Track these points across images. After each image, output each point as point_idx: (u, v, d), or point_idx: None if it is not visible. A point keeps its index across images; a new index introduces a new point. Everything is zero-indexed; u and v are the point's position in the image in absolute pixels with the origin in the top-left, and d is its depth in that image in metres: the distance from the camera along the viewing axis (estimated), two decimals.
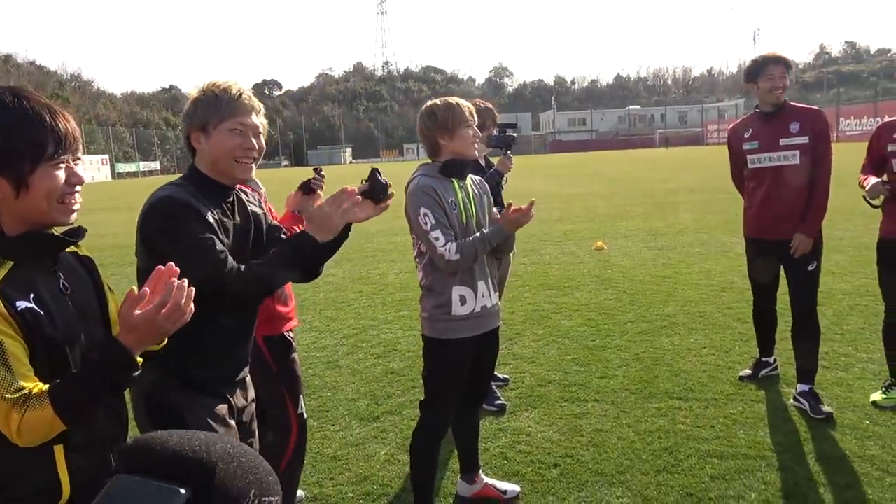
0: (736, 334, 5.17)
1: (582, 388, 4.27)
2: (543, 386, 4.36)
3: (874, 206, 3.71)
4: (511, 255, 3.78)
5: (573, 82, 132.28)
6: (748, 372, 4.27)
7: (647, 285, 6.99)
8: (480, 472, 3.16)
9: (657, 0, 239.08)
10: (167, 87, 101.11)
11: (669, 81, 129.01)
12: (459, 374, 2.77)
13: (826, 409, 3.68)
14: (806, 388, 3.80)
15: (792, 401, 3.87)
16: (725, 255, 8.32)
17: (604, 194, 17.68)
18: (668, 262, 8.13)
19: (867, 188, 3.58)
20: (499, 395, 4.11)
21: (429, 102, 2.77)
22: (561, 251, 9.36)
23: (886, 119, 3.79)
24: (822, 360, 4.54)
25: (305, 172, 3.22)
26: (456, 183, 2.72)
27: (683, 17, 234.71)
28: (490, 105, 4.19)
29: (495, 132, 4.20)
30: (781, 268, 3.94)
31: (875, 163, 3.72)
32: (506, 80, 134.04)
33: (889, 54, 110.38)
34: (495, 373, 3.96)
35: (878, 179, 3.58)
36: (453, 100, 2.72)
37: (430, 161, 2.77)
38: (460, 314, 2.68)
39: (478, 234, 2.68)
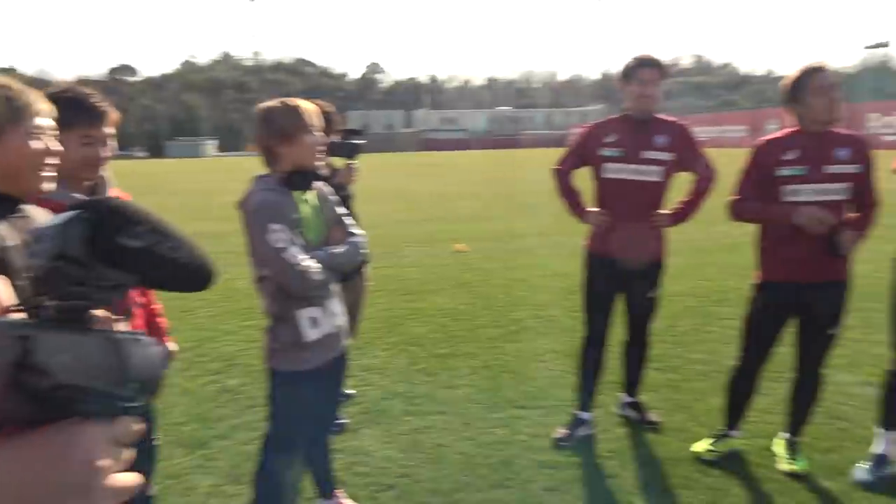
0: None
1: (427, 400, 4.19)
2: (388, 399, 4.23)
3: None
4: (362, 275, 3.64)
5: (447, 81, 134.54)
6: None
7: (501, 289, 7.08)
8: (337, 491, 2.99)
9: (527, 5, 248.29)
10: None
11: (537, 85, 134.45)
12: (312, 409, 2.56)
13: (652, 417, 3.81)
14: (631, 399, 3.91)
15: (618, 410, 3.96)
16: (578, 257, 8.62)
17: (470, 195, 17.95)
18: (526, 265, 8.31)
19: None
20: (338, 412, 3.92)
21: (264, 105, 2.45)
22: (422, 253, 9.32)
23: (770, 136, 3.22)
24: (655, 363, 4.75)
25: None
26: (300, 196, 2.44)
27: (550, 23, 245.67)
28: (331, 108, 3.95)
29: (338, 138, 3.89)
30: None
31: (761, 185, 3.14)
32: (378, 76, 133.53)
33: (729, 67, 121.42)
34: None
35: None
36: (294, 101, 2.42)
37: (269, 172, 2.44)
38: (313, 338, 2.43)
39: (332, 250, 2.46)
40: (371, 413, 4.03)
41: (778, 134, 3.18)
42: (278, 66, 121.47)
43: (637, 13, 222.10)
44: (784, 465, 3.29)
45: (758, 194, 3.15)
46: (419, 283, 7.40)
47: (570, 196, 3.69)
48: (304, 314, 2.42)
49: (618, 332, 3.82)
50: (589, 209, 3.60)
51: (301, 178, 2.44)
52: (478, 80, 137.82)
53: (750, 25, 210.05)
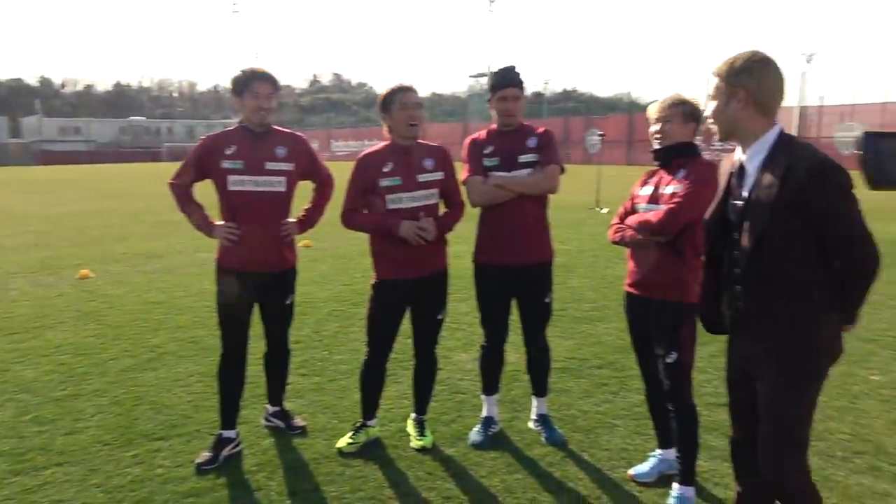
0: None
1: (41, 453, 3.57)
2: None
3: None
4: None
5: (63, 85, 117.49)
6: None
7: (136, 315, 6.44)
8: None
9: (161, 8, 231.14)
10: None
11: (176, 94, 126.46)
12: None
13: (298, 422, 3.88)
14: (275, 408, 3.93)
15: (264, 421, 3.93)
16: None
17: (98, 213, 16.00)
18: (164, 287, 7.71)
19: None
20: None
21: None
22: (34, 284, 7.96)
23: (370, 150, 3.54)
24: (301, 369, 4.87)
25: None
26: None
27: (188, 30, 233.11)
28: None
29: None
30: None
31: (367, 195, 3.46)
32: None
33: (366, 87, 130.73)
34: None
35: None
36: None
37: None
38: None
39: None
40: None
41: (376, 148, 3.55)
42: None
43: (274, 28, 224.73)
44: (414, 443, 3.65)
45: (365, 204, 3.48)
46: (30, 319, 6.29)
47: (192, 211, 3.56)
48: None
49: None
50: (215, 223, 3.51)
51: None
52: (103, 85, 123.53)
53: (382, 49, 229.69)
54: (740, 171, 2.26)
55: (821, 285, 2.14)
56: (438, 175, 3.50)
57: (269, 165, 3.44)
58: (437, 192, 3.51)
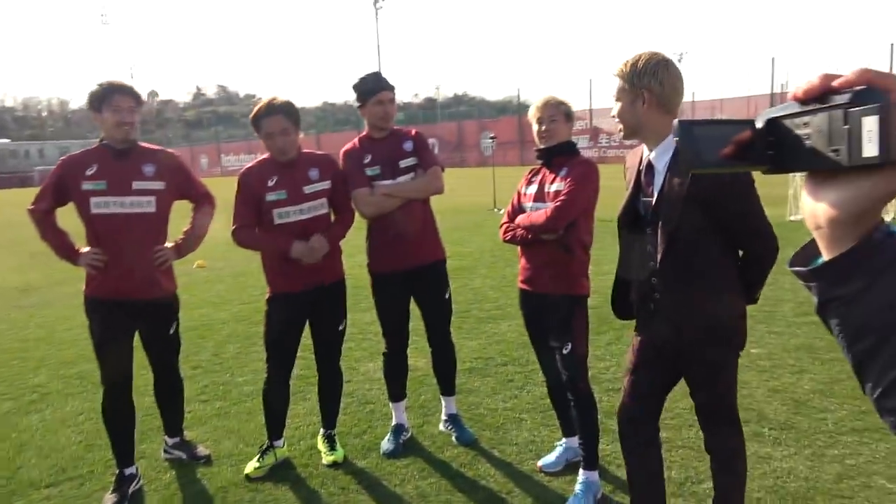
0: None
1: None
2: None
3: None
4: None
5: None
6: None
7: (14, 354, 5.97)
8: None
9: (23, 22, 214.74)
10: None
11: (45, 113, 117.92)
12: None
13: (201, 451, 3.71)
14: (175, 440, 3.75)
15: (164, 454, 3.75)
16: None
17: None
18: (43, 322, 7.19)
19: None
20: None
21: None
22: None
23: (251, 164, 3.48)
24: (202, 395, 4.69)
25: None
26: None
27: (55, 45, 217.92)
28: None
29: None
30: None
31: (255, 210, 3.39)
32: None
33: (256, 98, 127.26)
34: None
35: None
36: None
37: None
38: None
39: None
40: None
41: (259, 161, 3.47)
42: None
43: (149, 40, 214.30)
44: (325, 459, 3.60)
45: (255, 219, 3.39)
46: None
47: (53, 238, 3.31)
48: None
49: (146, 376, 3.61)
50: (80, 250, 3.29)
51: None
52: None
53: (269, 59, 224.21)
54: (649, 168, 2.36)
55: (730, 272, 2.32)
56: (325, 185, 3.44)
57: (137, 185, 3.22)
58: (326, 202, 3.47)
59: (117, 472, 3.38)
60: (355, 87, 3.60)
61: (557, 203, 2.97)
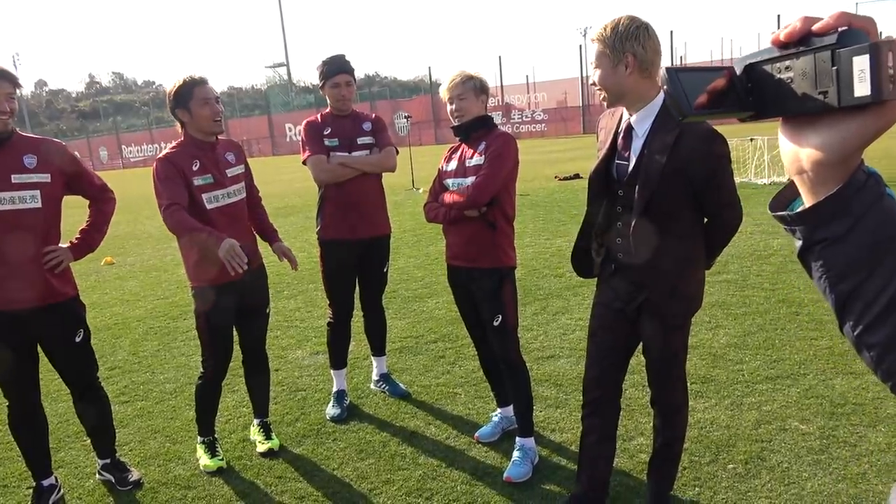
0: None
1: None
2: None
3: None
4: None
5: None
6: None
7: None
8: None
9: None
10: None
11: None
12: None
13: (134, 476, 3.35)
14: (106, 461, 3.39)
15: (98, 476, 3.41)
16: None
17: None
18: None
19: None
20: None
21: None
22: None
23: (170, 150, 3.20)
24: (122, 396, 4.47)
25: None
26: None
27: None
28: None
29: None
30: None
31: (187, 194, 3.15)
32: None
33: (155, 86, 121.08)
34: None
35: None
36: None
37: None
38: None
39: None
40: None
41: (175, 147, 3.22)
42: None
43: (33, 26, 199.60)
44: (260, 447, 3.51)
45: (186, 199, 3.09)
46: None
47: None
48: None
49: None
50: None
51: None
52: None
53: (166, 44, 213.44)
54: (628, 132, 2.35)
55: (697, 239, 2.40)
56: (241, 168, 3.38)
57: (17, 178, 2.86)
58: (244, 187, 3.37)
59: (34, 484, 3.17)
60: (318, 68, 3.80)
61: (478, 179, 2.97)
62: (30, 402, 3.10)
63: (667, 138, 2.23)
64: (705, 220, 2.42)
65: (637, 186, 2.30)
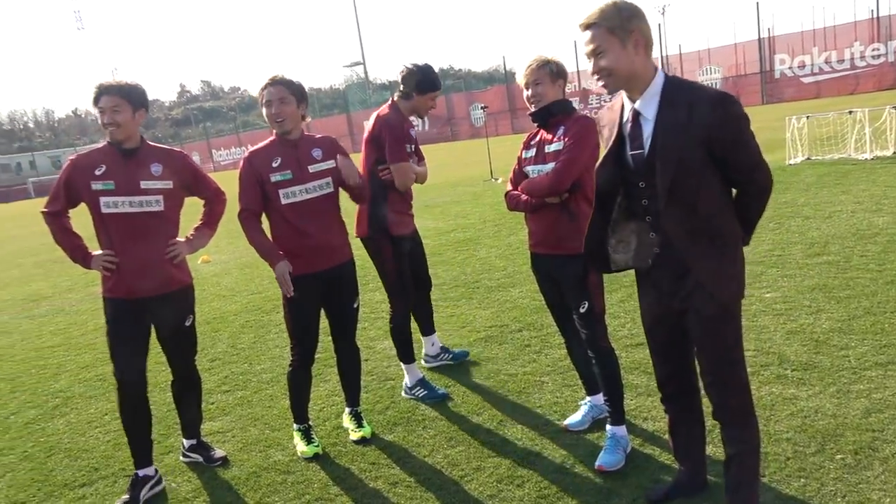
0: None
1: None
2: None
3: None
4: None
5: None
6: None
7: (32, 363, 5.99)
8: None
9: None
10: None
11: (31, 125, 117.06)
12: None
13: (218, 454, 3.62)
14: (192, 441, 3.67)
15: (182, 458, 3.68)
16: None
17: None
18: (57, 329, 7.20)
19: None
20: None
21: None
22: None
23: (256, 147, 3.44)
24: (224, 385, 4.71)
25: None
26: None
27: (33, 56, 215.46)
28: None
29: None
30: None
31: (262, 193, 3.36)
32: None
33: (240, 91, 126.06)
34: None
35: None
36: None
37: None
38: None
39: None
40: None
41: (263, 144, 3.45)
42: None
43: (129, 42, 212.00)
44: (353, 435, 3.63)
45: (260, 203, 3.36)
46: None
47: (66, 242, 3.29)
48: None
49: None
50: (92, 253, 3.26)
51: None
52: None
53: (248, 50, 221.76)
54: (636, 119, 2.24)
55: (730, 215, 2.26)
56: (329, 164, 3.43)
57: (145, 184, 3.21)
58: (331, 181, 3.43)
59: (136, 472, 3.35)
60: (414, 75, 3.92)
61: (558, 164, 2.94)
62: (138, 389, 3.34)
63: (679, 113, 2.13)
64: (734, 192, 2.28)
65: (658, 171, 2.17)
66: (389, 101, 4.05)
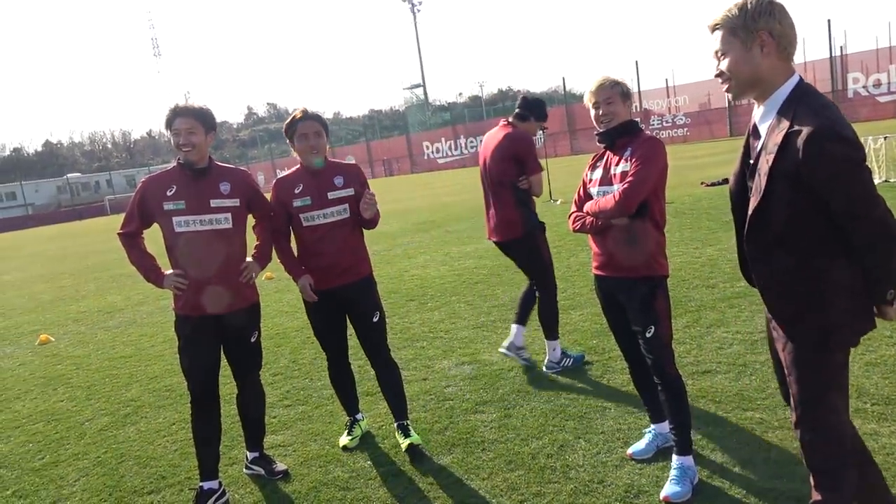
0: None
1: None
2: None
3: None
4: None
5: None
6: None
7: (106, 372, 6.25)
8: None
9: (79, 62, 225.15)
10: None
11: (109, 145, 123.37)
12: None
13: (280, 467, 3.68)
14: (255, 454, 3.75)
15: (245, 470, 3.76)
16: None
17: (47, 276, 15.46)
18: (129, 340, 7.50)
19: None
20: None
21: None
22: None
23: (282, 175, 3.72)
24: (285, 400, 4.79)
25: None
26: None
27: (112, 80, 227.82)
28: None
29: None
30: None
31: (288, 216, 3.66)
32: None
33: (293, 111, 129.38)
34: None
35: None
36: None
37: None
38: None
39: None
40: None
41: (290, 171, 3.73)
42: None
43: (201, 66, 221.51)
44: (403, 444, 3.71)
45: (285, 223, 3.68)
46: None
47: (140, 261, 3.45)
48: None
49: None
50: (164, 272, 3.39)
51: None
52: (32, 145, 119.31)
53: (311, 73, 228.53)
54: (755, 130, 2.11)
55: (834, 258, 1.99)
56: (349, 191, 3.65)
57: (214, 203, 3.34)
58: (348, 208, 3.64)
59: (200, 485, 3.44)
60: (533, 108, 4.63)
61: (625, 185, 2.88)
62: (211, 404, 3.46)
63: (778, 136, 1.94)
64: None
65: (750, 197, 2.05)
66: (504, 123, 4.61)
